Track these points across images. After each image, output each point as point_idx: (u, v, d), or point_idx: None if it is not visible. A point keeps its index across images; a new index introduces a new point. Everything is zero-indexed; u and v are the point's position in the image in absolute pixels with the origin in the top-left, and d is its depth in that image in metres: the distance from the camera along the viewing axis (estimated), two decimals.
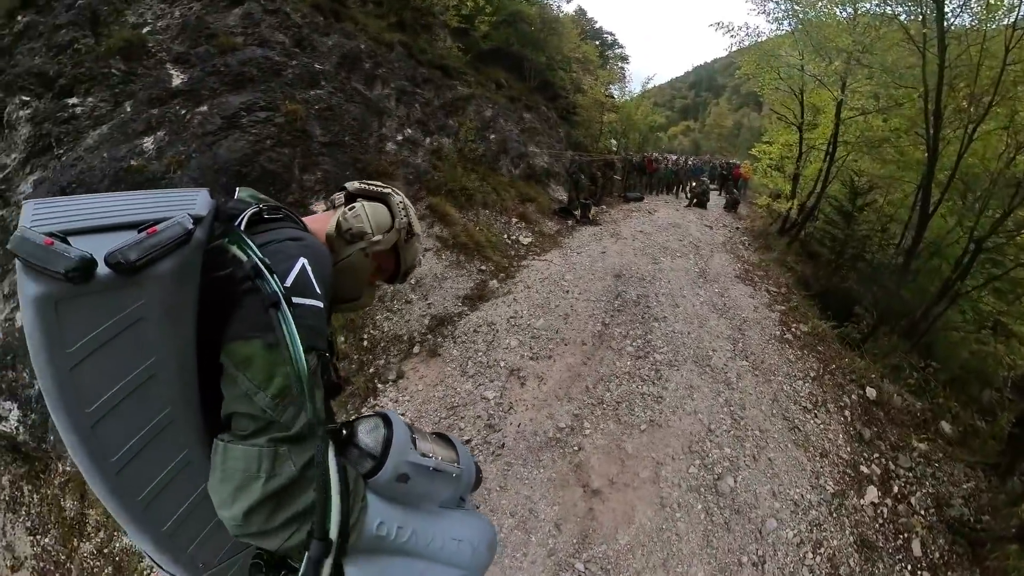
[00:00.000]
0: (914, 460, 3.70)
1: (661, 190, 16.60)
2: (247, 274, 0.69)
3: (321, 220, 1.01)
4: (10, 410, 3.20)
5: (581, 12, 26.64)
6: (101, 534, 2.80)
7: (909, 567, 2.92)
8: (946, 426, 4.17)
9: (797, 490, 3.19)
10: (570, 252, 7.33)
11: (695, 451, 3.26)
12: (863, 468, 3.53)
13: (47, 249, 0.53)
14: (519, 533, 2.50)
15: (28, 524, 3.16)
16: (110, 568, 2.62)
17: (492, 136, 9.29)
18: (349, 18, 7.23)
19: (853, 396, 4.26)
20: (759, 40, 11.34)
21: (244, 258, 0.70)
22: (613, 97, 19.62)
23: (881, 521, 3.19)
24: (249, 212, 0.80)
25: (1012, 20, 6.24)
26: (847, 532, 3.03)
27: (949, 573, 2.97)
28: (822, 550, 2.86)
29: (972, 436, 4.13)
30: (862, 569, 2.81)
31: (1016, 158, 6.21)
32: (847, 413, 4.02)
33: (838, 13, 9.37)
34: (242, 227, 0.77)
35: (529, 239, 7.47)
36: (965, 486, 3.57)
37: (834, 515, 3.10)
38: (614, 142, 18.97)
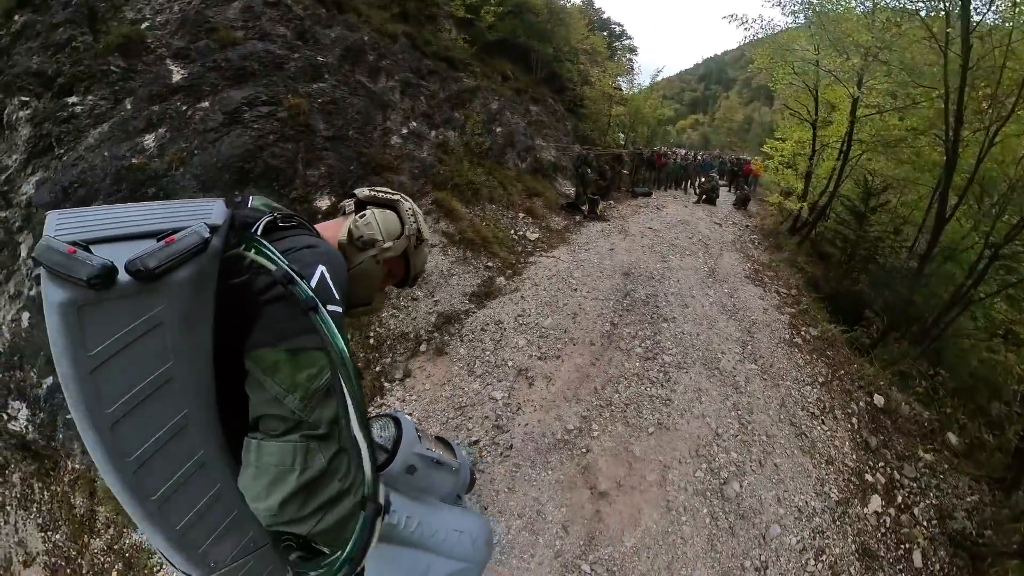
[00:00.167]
0: (919, 470, 3.70)
1: (669, 185, 16.43)
2: (275, 281, 0.71)
3: (332, 228, 1.04)
4: (19, 409, 3.24)
5: (588, 2, 26.19)
6: (111, 531, 2.84)
7: None
8: (953, 437, 4.16)
9: (802, 496, 3.20)
10: (578, 248, 7.29)
11: (702, 455, 3.27)
12: (868, 477, 3.54)
13: (71, 257, 0.56)
14: (527, 534, 2.53)
15: (39, 520, 3.22)
16: (120, 564, 2.66)
17: (498, 129, 9.20)
18: (352, 9, 7.12)
19: (861, 403, 4.25)
20: (774, 33, 11.11)
21: (271, 267, 0.73)
22: (621, 90, 19.34)
23: (883, 531, 3.20)
24: (264, 220, 0.83)
25: None
26: (849, 540, 3.04)
27: None
28: (824, 558, 2.88)
29: (979, 449, 4.12)
30: None
31: None
32: (854, 420, 4.02)
33: (856, 7, 9.15)
34: (258, 235, 0.80)
35: (536, 235, 7.43)
36: (969, 499, 3.57)
37: (837, 523, 3.11)
38: (622, 136, 18.76)
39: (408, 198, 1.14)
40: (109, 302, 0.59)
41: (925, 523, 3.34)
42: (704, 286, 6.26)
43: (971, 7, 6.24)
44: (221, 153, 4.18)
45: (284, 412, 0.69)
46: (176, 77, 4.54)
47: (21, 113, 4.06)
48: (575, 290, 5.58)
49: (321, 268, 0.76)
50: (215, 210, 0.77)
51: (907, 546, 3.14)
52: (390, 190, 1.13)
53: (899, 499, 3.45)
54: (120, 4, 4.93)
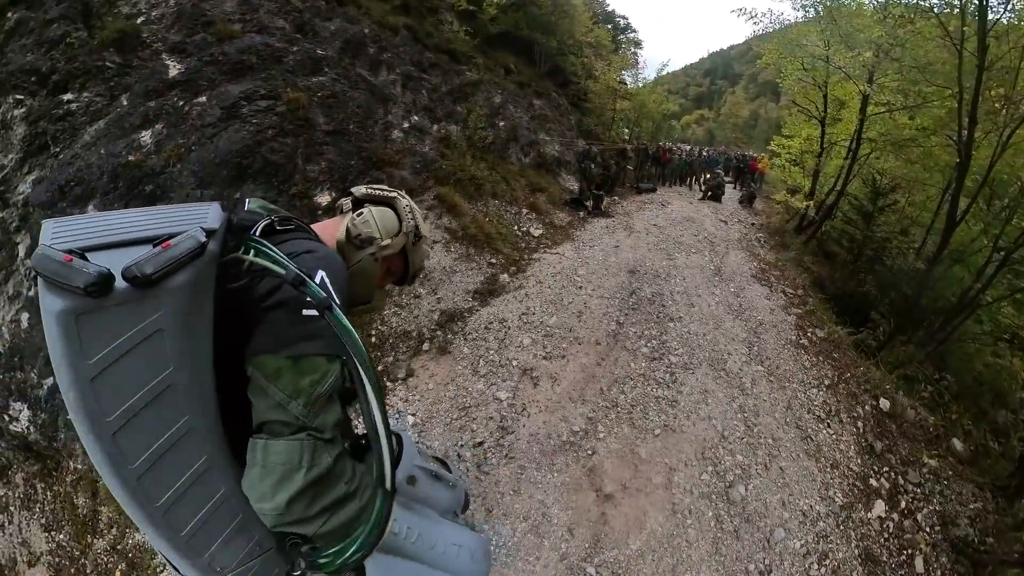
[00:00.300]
0: (923, 476, 3.69)
1: (674, 181, 16.31)
2: (284, 283, 0.71)
3: (330, 227, 1.04)
4: (20, 410, 3.24)
5: None
6: (114, 531, 2.84)
7: None
8: (958, 444, 4.15)
9: (806, 500, 3.20)
10: (582, 245, 7.25)
11: (708, 457, 3.27)
12: (872, 481, 3.53)
13: (67, 265, 0.56)
14: (532, 537, 2.52)
15: (43, 521, 3.22)
16: (124, 565, 2.67)
17: (501, 123, 9.11)
18: (352, 1, 7.00)
19: (866, 407, 4.24)
20: (783, 28, 10.94)
21: (280, 270, 0.73)
22: (626, 84, 19.10)
23: (886, 536, 3.20)
24: (262, 224, 0.83)
25: None
26: (852, 545, 3.04)
27: None
28: (827, 562, 2.88)
29: (984, 455, 4.11)
30: None
31: None
32: (860, 424, 4.01)
33: (868, 2, 8.99)
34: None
35: (540, 231, 7.38)
36: (972, 506, 3.57)
37: (841, 527, 3.11)
38: (626, 131, 18.59)
39: (405, 195, 1.15)
40: (107, 310, 0.59)
41: (928, 529, 3.33)
42: (710, 285, 6.22)
43: (988, 5, 6.13)
44: (219, 149, 4.13)
45: (288, 418, 0.70)
46: (173, 72, 4.48)
47: (16, 112, 4.01)
48: (580, 288, 5.54)
49: (321, 273, 0.76)
50: (211, 214, 0.76)
51: (909, 552, 3.14)
52: (387, 187, 1.14)
53: (903, 504, 3.45)
54: None
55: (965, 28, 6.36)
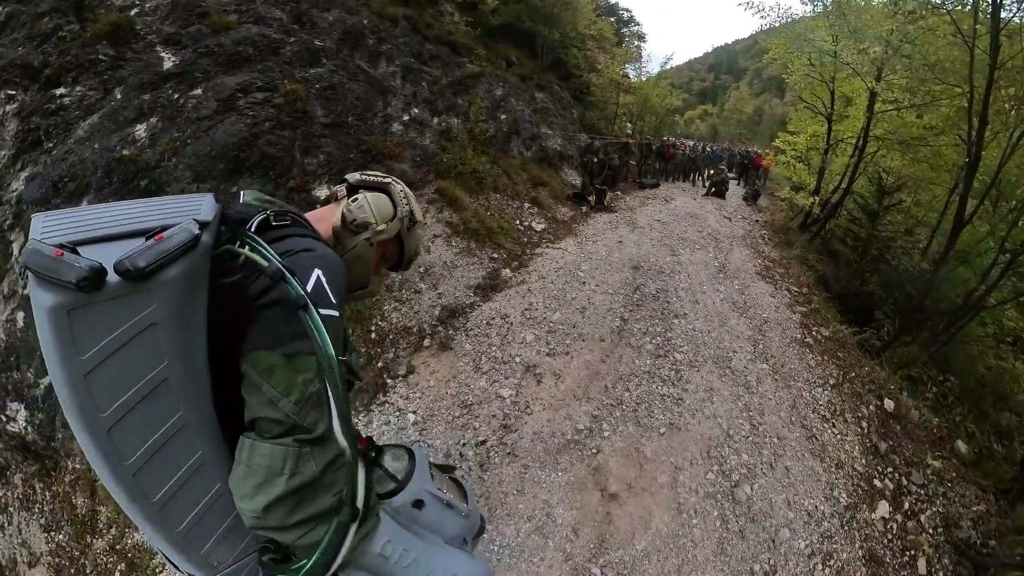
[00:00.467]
0: (927, 477, 3.68)
1: (677, 177, 16.20)
2: (271, 280, 0.71)
3: (326, 213, 1.05)
4: (17, 411, 3.21)
5: None
6: (113, 531, 2.82)
7: None
8: (962, 446, 4.14)
9: (811, 501, 3.18)
10: (585, 240, 7.19)
11: (713, 457, 3.24)
12: (876, 482, 3.52)
13: (58, 260, 0.55)
14: (536, 538, 2.50)
15: (42, 521, 3.20)
16: (123, 565, 2.65)
17: (503, 116, 8.99)
18: None
19: (871, 407, 4.22)
20: (791, 22, 10.79)
21: (264, 264, 0.72)
22: (629, 77, 18.90)
23: (890, 537, 3.19)
24: (258, 219, 0.82)
25: None
26: (856, 546, 3.03)
27: None
28: (832, 562, 2.87)
29: (987, 458, 4.10)
30: None
31: None
32: (864, 424, 3.99)
33: None
34: (252, 232, 0.79)
35: (542, 226, 7.32)
36: (975, 508, 3.56)
37: (845, 528, 3.10)
38: (629, 125, 18.44)
39: (400, 181, 1.15)
40: (99, 304, 0.58)
41: (931, 530, 3.33)
42: (715, 282, 6.18)
43: (1002, 3, 6.02)
44: (215, 142, 4.06)
45: (279, 415, 0.69)
46: (167, 64, 4.39)
47: (8, 107, 3.94)
48: (583, 283, 5.50)
49: (317, 272, 0.76)
50: (204, 205, 0.75)
51: (912, 553, 3.13)
52: (382, 173, 1.15)
53: (906, 505, 3.44)
54: None
55: (978, 26, 6.26)
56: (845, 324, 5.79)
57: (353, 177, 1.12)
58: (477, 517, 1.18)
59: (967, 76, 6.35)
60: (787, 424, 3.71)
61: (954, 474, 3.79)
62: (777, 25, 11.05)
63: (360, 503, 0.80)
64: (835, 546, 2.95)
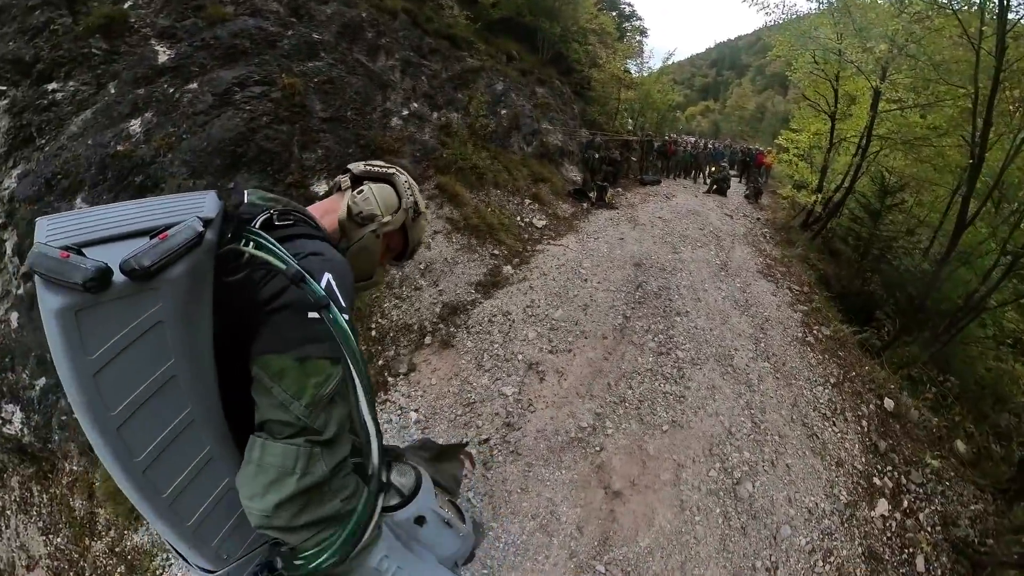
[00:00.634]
0: (926, 476, 3.71)
1: (678, 174, 16.16)
2: (290, 281, 0.71)
3: (330, 204, 1.05)
4: (13, 412, 3.17)
5: None
6: (112, 533, 2.80)
7: None
8: (960, 445, 4.18)
9: (812, 498, 3.21)
10: (587, 237, 7.17)
11: (715, 454, 3.26)
12: (876, 480, 3.55)
13: (64, 262, 0.56)
14: (540, 536, 2.51)
15: (40, 524, 3.18)
16: (123, 567, 2.64)
17: (503, 111, 8.91)
18: None
19: (871, 406, 4.24)
20: (795, 18, 10.74)
21: (281, 265, 0.72)
22: (630, 73, 18.75)
23: (889, 534, 3.22)
24: (262, 218, 0.83)
25: None
26: (856, 543, 3.06)
27: None
28: (832, 559, 2.90)
29: (985, 458, 4.14)
30: None
31: None
32: (864, 423, 4.02)
33: None
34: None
35: (543, 222, 7.29)
36: (973, 507, 3.60)
37: (845, 525, 3.13)
38: (630, 121, 18.34)
39: (403, 171, 1.15)
40: (106, 304, 0.59)
41: (929, 529, 3.36)
42: (716, 280, 6.18)
43: (1009, 5, 5.99)
44: (211, 137, 4.00)
45: (289, 418, 0.70)
46: (162, 58, 4.32)
47: None
48: (585, 281, 5.49)
49: (328, 276, 0.76)
50: (207, 203, 0.75)
51: (911, 551, 3.16)
52: (384, 163, 1.14)
53: (905, 504, 3.47)
54: None
55: (984, 27, 6.23)
56: (846, 323, 5.81)
57: (357, 167, 1.11)
58: (471, 540, 1.19)
59: (972, 77, 6.33)
60: (788, 422, 3.73)
61: (952, 473, 3.83)
62: (781, 22, 11.01)
63: (379, 481, 0.84)
64: (835, 543, 2.98)
